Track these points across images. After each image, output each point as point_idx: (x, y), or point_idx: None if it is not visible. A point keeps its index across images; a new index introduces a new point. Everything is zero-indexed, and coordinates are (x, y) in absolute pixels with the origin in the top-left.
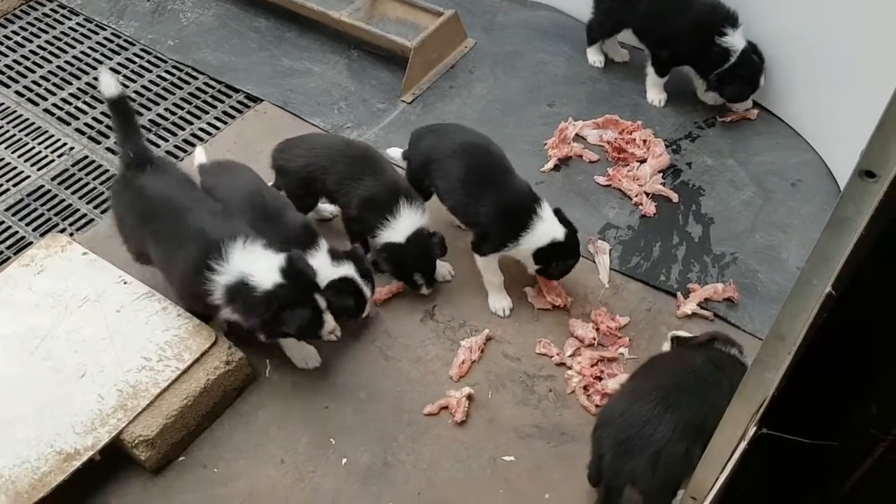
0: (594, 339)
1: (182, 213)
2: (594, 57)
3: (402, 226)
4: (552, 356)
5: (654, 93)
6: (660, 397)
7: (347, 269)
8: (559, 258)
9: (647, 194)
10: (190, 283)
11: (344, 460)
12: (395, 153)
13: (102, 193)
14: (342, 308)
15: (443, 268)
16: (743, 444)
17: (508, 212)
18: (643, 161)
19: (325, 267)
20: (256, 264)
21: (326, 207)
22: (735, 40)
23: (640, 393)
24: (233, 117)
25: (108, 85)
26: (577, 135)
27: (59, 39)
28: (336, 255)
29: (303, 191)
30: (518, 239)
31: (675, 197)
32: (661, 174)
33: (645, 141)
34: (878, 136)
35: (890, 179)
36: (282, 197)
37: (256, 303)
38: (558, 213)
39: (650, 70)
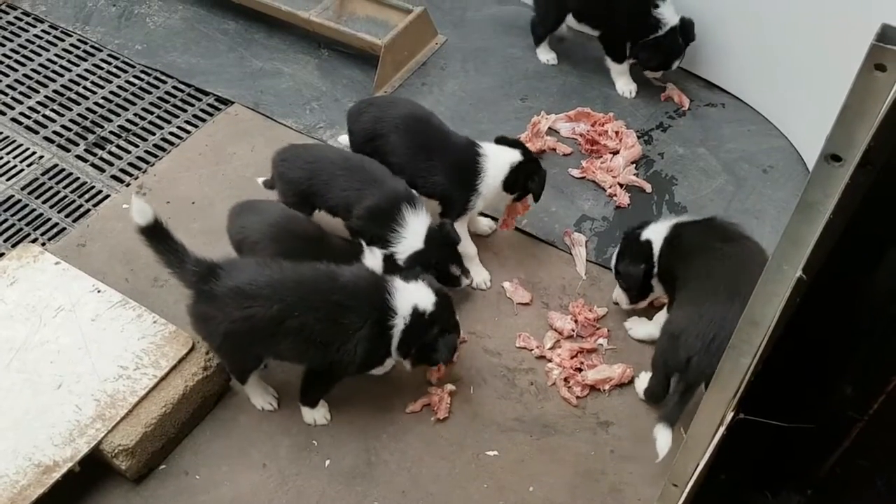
0: (573, 331)
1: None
2: (545, 55)
3: (414, 231)
4: (532, 349)
5: (623, 83)
6: (726, 293)
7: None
8: (529, 176)
9: (621, 185)
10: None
11: (327, 462)
12: (345, 139)
13: (74, 202)
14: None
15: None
16: (721, 430)
17: (458, 170)
18: (616, 152)
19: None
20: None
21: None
22: (667, 13)
23: (705, 295)
24: (203, 120)
25: (142, 211)
26: (550, 128)
27: (25, 47)
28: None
29: (299, 200)
30: (477, 188)
31: (648, 187)
32: (634, 165)
33: (617, 132)
34: (841, 119)
35: (855, 163)
36: (316, 224)
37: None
38: (501, 140)
39: (608, 61)
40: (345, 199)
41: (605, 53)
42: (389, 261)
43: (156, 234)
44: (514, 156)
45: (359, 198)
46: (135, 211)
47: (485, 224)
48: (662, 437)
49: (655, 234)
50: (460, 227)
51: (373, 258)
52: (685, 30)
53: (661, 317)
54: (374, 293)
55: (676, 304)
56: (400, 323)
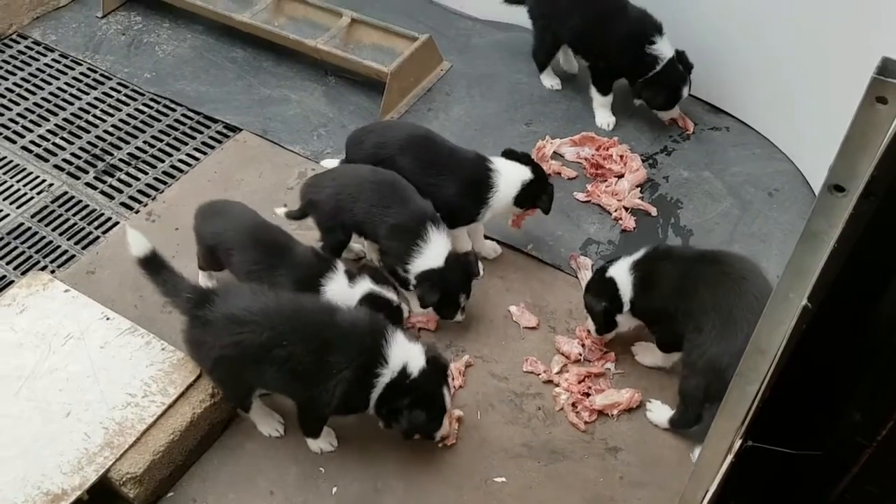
0: (580, 355)
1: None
2: (549, 81)
3: (435, 250)
4: (539, 374)
5: (602, 116)
6: (753, 315)
7: (365, 285)
8: (538, 193)
9: (626, 209)
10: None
11: (334, 489)
12: (329, 163)
13: (83, 230)
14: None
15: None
16: (730, 458)
17: (470, 184)
18: (621, 176)
19: (343, 289)
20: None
21: (354, 246)
22: (663, 48)
23: (734, 323)
24: (212, 147)
25: (137, 242)
26: (554, 152)
27: (35, 76)
28: (352, 275)
29: (333, 221)
30: (488, 202)
31: (653, 210)
32: (639, 188)
33: (622, 156)
34: (844, 151)
35: (858, 193)
36: (284, 231)
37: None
38: (510, 154)
39: (592, 90)
40: (370, 214)
41: (592, 83)
42: (370, 299)
43: (152, 263)
44: (525, 173)
45: (384, 214)
46: (131, 242)
47: (490, 247)
48: None
49: (621, 271)
50: (460, 232)
51: (339, 280)
52: (682, 59)
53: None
54: (369, 337)
55: (699, 336)
56: (387, 375)
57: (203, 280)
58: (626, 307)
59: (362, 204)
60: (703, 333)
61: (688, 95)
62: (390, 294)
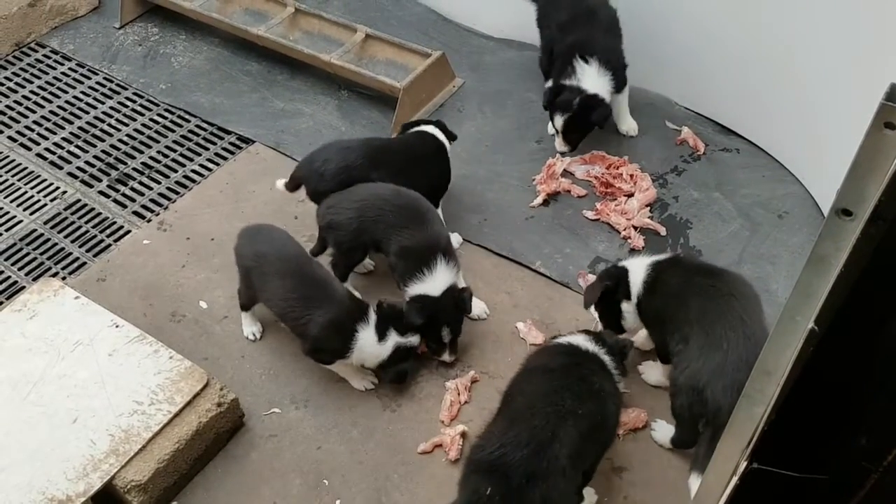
0: None
1: None
2: None
3: (438, 280)
4: None
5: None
6: (740, 333)
7: (393, 340)
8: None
9: (636, 228)
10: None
11: (338, 502)
12: (280, 184)
13: (95, 237)
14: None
15: (478, 307)
16: (735, 480)
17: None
18: (630, 195)
19: (372, 343)
20: None
21: (366, 263)
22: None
23: (717, 340)
24: (225, 158)
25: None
26: (565, 170)
27: (52, 84)
28: (380, 330)
29: (353, 243)
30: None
31: (662, 230)
32: (649, 208)
33: (632, 175)
34: (852, 175)
35: (866, 217)
36: (323, 266)
37: None
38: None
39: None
40: (387, 234)
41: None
42: (399, 351)
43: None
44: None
45: (399, 234)
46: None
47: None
48: (696, 487)
49: (638, 265)
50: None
51: (370, 332)
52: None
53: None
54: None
55: (685, 349)
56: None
57: (248, 327)
58: (634, 300)
59: (381, 224)
60: (688, 347)
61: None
62: (414, 339)
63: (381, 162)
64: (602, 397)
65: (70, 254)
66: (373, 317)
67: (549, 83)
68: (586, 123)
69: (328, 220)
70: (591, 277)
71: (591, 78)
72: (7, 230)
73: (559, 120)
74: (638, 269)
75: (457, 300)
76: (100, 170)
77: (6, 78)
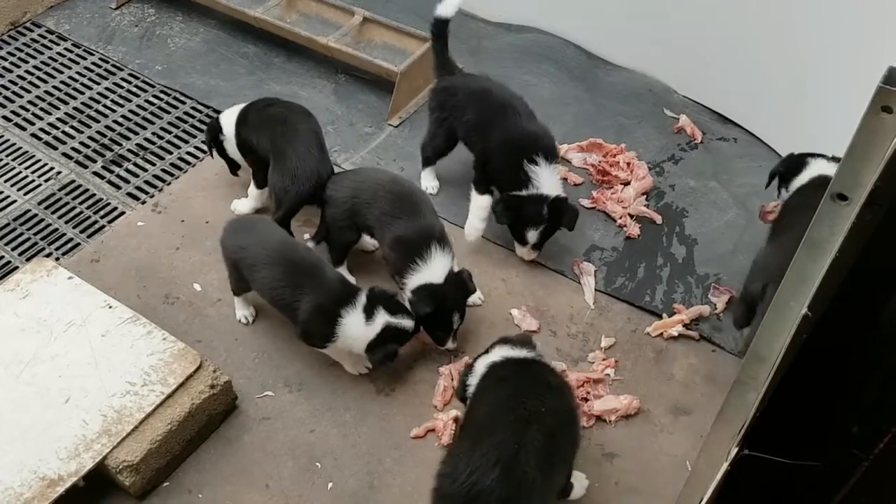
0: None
1: None
2: (428, 182)
3: (436, 267)
4: None
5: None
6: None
7: (381, 319)
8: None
9: (632, 216)
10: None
11: (330, 484)
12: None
13: (89, 218)
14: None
15: (473, 294)
16: (726, 465)
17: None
18: (627, 183)
19: (359, 325)
20: None
21: (368, 239)
22: (543, 175)
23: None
24: None
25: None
26: (562, 158)
27: (47, 64)
28: (369, 312)
29: (346, 222)
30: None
31: (658, 218)
32: (645, 196)
33: (628, 164)
34: (848, 159)
35: (862, 202)
36: (313, 251)
37: None
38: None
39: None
40: (380, 221)
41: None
42: (388, 330)
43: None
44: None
45: (392, 224)
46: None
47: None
48: None
49: None
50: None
51: (357, 316)
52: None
53: None
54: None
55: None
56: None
57: (241, 310)
58: None
59: (374, 210)
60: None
61: (692, 101)
62: (407, 321)
63: None
64: (560, 390)
65: (64, 234)
66: (362, 301)
67: (488, 198)
68: (556, 227)
69: (328, 194)
70: (586, 266)
71: (547, 179)
72: (1, 210)
73: (534, 234)
74: None
75: (459, 283)
76: (94, 150)
77: (1, 58)
